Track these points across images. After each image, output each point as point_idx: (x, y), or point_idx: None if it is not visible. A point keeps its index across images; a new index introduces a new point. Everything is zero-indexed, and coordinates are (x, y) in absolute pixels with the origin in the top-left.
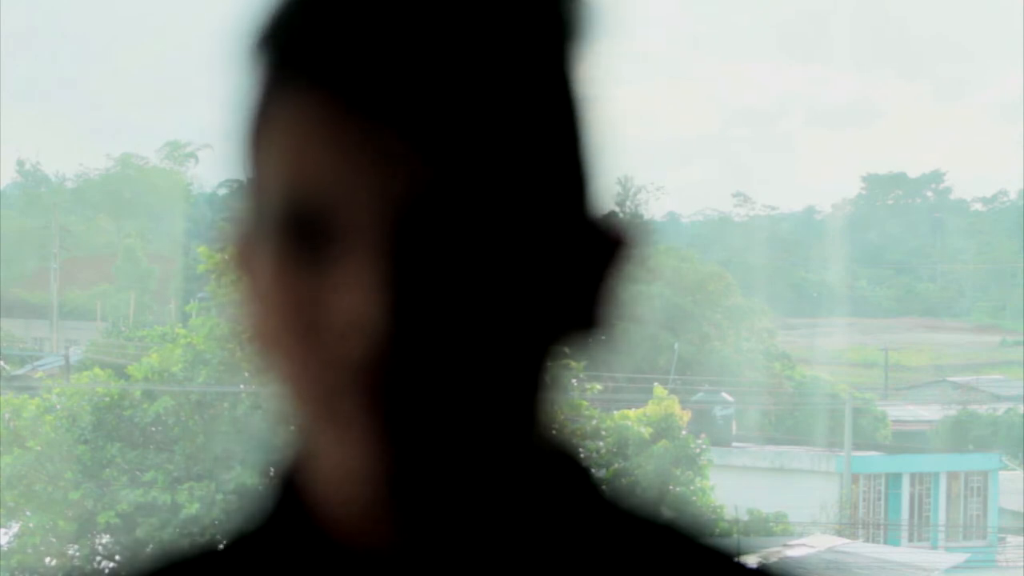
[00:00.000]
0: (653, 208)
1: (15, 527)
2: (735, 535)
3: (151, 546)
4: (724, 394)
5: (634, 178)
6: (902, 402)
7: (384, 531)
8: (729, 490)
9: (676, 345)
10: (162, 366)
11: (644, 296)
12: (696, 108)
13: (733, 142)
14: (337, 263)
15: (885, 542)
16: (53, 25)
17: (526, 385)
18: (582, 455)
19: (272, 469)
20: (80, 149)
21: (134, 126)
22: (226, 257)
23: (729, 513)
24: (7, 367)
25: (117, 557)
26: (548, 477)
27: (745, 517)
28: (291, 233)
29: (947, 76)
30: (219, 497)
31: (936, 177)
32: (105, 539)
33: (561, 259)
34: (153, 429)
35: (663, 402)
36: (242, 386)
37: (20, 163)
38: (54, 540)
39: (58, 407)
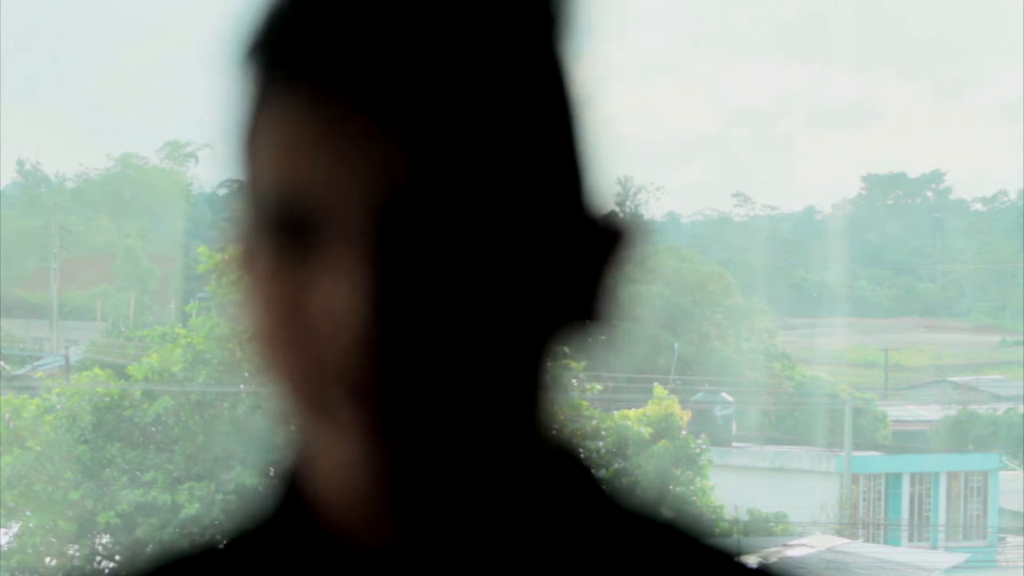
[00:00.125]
0: (653, 208)
1: (15, 527)
2: (735, 535)
3: (151, 546)
4: (724, 394)
5: (634, 178)
6: (902, 402)
7: (384, 530)
8: (729, 490)
9: (676, 345)
10: (162, 366)
11: (644, 296)
12: (696, 108)
13: (733, 142)
14: (334, 263)
15: (885, 542)
16: (53, 25)
17: (526, 384)
18: (582, 455)
19: (272, 469)
20: (80, 149)
21: (134, 126)
22: (226, 257)
23: (729, 513)
24: (7, 367)
25: (117, 557)
26: (548, 477)
27: (745, 517)
28: (287, 233)
29: (947, 76)
30: (219, 497)
31: (936, 177)
32: (105, 539)
33: (560, 258)
34: (153, 429)
35: (663, 402)
36: (242, 386)
37: (20, 163)
38: (54, 540)
39: (58, 407)
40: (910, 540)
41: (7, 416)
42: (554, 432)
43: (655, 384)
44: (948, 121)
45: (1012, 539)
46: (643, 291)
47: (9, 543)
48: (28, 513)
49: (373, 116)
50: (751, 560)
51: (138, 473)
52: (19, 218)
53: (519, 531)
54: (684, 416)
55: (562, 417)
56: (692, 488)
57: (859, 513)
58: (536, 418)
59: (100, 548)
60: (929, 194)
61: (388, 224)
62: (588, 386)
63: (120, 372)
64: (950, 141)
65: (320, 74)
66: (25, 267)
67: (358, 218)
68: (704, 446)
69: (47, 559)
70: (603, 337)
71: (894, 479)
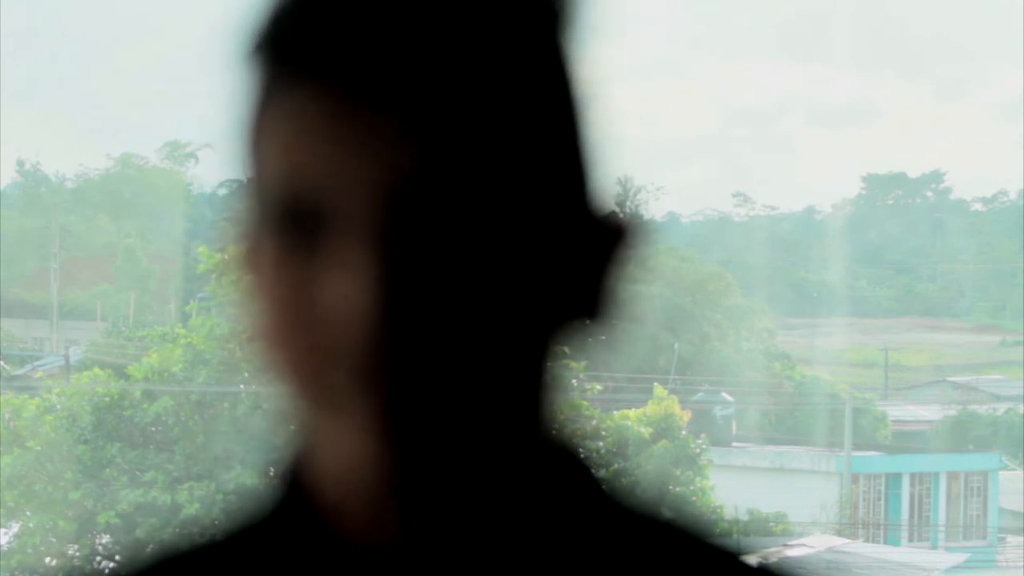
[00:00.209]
0: (653, 208)
1: (15, 527)
2: (735, 535)
3: (151, 546)
4: (724, 394)
5: (634, 178)
6: (902, 402)
7: (386, 527)
8: (729, 490)
9: (676, 345)
10: (162, 366)
11: (644, 296)
12: (696, 108)
13: (733, 142)
14: (338, 259)
15: (885, 542)
16: (53, 25)
17: (527, 384)
18: (582, 455)
19: (272, 469)
20: (80, 149)
21: (134, 126)
22: (227, 256)
23: (729, 513)
24: (7, 367)
25: (117, 557)
26: (548, 476)
27: (745, 517)
28: (292, 230)
29: (947, 76)
30: (219, 497)
31: (936, 177)
32: (105, 539)
33: (561, 257)
34: (153, 429)
35: (663, 402)
36: (242, 386)
37: (20, 163)
38: (54, 540)
39: (58, 407)
40: (910, 540)
41: (7, 416)
42: (554, 432)
43: (655, 384)
44: (948, 121)
45: (1012, 539)
46: (643, 291)
47: (9, 543)
48: (28, 513)
49: (378, 113)
50: (751, 560)
51: (138, 473)
52: (19, 218)
53: (520, 530)
54: (684, 416)
55: (562, 417)
56: (692, 488)
57: (859, 513)
58: (537, 418)
59: (100, 548)
60: (929, 194)
61: (394, 220)
62: (588, 386)
63: (120, 372)
64: (950, 141)
65: (325, 70)
66: (25, 267)
67: (365, 214)
68: (704, 446)
69: (47, 559)
70: (603, 337)
71: (894, 479)
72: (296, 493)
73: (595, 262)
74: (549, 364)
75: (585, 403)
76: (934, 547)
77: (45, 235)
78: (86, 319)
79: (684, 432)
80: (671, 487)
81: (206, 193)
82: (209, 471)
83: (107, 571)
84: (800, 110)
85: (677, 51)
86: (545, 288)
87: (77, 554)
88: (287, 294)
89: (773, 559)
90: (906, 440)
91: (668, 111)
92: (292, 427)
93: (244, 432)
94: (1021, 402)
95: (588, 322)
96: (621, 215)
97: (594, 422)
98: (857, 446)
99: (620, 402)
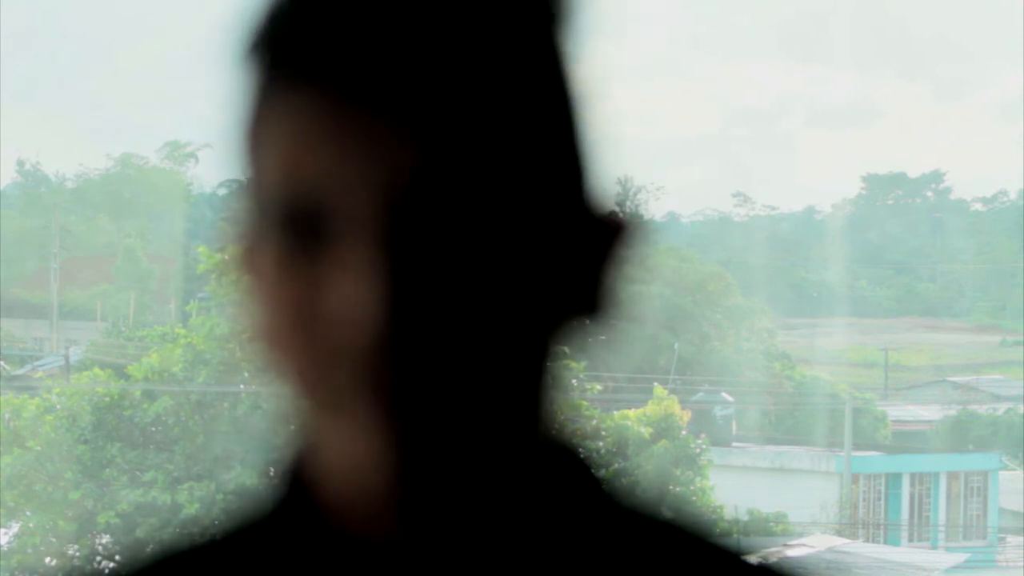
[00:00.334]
0: (653, 208)
1: (15, 527)
2: (735, 535)
3: (151, 546)
4: (724, 394)
5: (634, 178)
6: (902, 402)
7: (387, 527)
8: (729, 490)
9: (676, 345)
10: (162, 366)
11: (644, 296)
12: (696, 108)
13: (733, 142)
14: (338, 259)
15: (885, 542)
16: (53, 25)
17: (527, 384)
18: (582, 455)
19: (272, 469)
20: (80, 149)
21: (134, 126)
22: (227, 257)
23: (729, 513)
24: (7, 367)
25: (117, 557)
26: (548, 476)
27: (745, 517)
28: (292, 230)
29: (947, 76)
30: (219, 497)
31: (936, 177)
32: (105, 539)
33: (561, 256)
34: (153, 429)
35: (663, 402)
36: (242, 386)
37: (20, 163)
38: (54, 540)
39: (58, 407)
40: (910, 540)
41: (7, 416)
42: (554, 432)
43: (655, 384)
44: (948, 121)
45: (1012, 539)
46: (643, 291)
47: (9, 543)
48: (28, 513)
49: (375, 113)
50: (751, 560)
51: (138, 473)
52: (19, 218)
53: (520, 530)
54: (684, 416)
55: (562, 417)
56: (692, 488)
57: (859, 513)
58: (537, 418)
59: (100, 548)
60: (929, 194)
61: (392, 221)
62: (588, 386)
63: (120, 372)
64: (950, 141)
65: (322, 71)
66: (25, 267)
67: (363, 215)
68: (704, 446)
69: (47, 559)
70: (603, 337)
71: (894, 479)
72: (296, 493)
73: (595, 262)
74: (549, 364)
75: (585, 403)
76: (934, 547)
77: (45, 235)
78: (86, 319)
79: (684, 432)
80: (671, 487)
81: (206, 193)
82: (209, 471)
83: (107, 571)
84: (800, 110)
85: (677, 51)
86: (545, 288)
87: (77, 554)
88: (285, 294)
89: (773, 559)
90: (906, 440)
91: (668, 111)
92: (292, 427)
93: (244, 432)
94: (1021, 402)
95: (588, 322)
96: (621, 215)
97: (594, 422)
98: (857, 446)
99: (620, 402)
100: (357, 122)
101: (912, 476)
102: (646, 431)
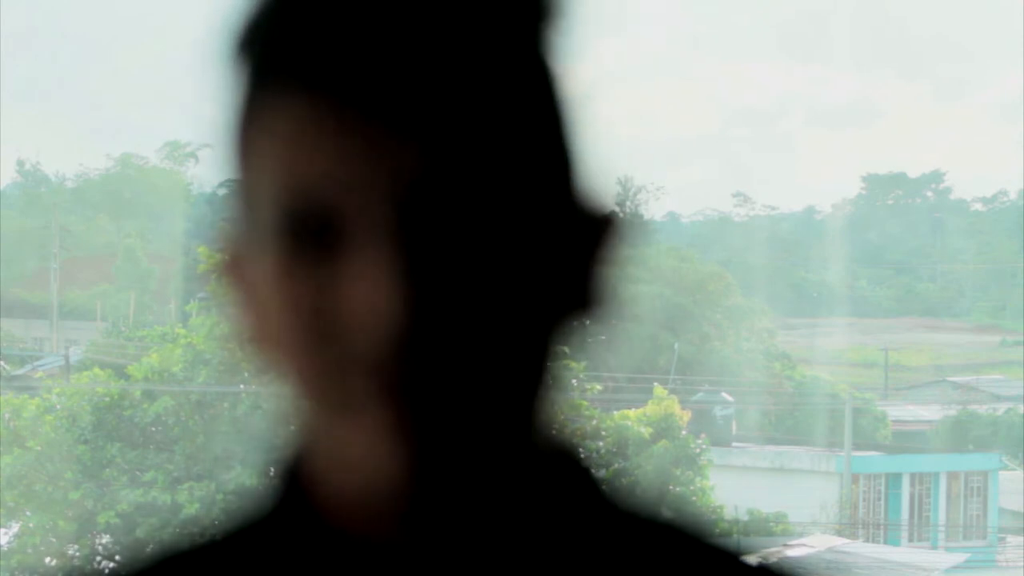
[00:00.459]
0: (653, 208)
1: (15, 527)
2: (735, 535)
3: (151, 546)
4: (724, 394)
5: (634, 178)
6: (902, 402)
7: (386, 527)
8: (729, 490)
9: (676, 345)
10: (162, 366)
11: (644, 296)
12: (696, 108)
13: (733, 142)
14: (333, 260)
15: (885, 542)
16: (53, 25)
17: (527, 384)
18: (582, 455)
19: (272, 469)
20: (80, 149)
21: (134, 126)
22: (221, 260)
23: (729, 513)
24: (7, 367)
25: (117, 557)
26: (548, 477)
27: (745, 517)
28: (287, 232)
29: (947, 76)
30: (219, 497)
31: (936, 177)
32: (105, 539)
33: (560, 256)
34: (153, 429)
35: (663, 402)
36: (242, 386)
37: (20, 163)
38: (54, 540)
39: (58, 407)
40: (910, 540)
41: (7, 416)
42: (554, 432)
43: (655, 384)
44: (948, 121)
45: (1012, 539)
46: (643, 291)
47: (9, 543)
48: (28, 513)
49: (365, 114)
50: (751, 560)
51: (138, 473)
52: (19, 218)
53: (520, 531)
54: (684, 416)
55: (562, 417)
56: (692, 488)
57: (859, 513)
58: (537, 418)
59: (100, 548)
60: (929, 194)
61: (393, 221)
62: (588, 386)
63: (120, 372)
64: (950, 141)
65: (310, 72)
66: (25, 267)
67: (361, 216)
68: (704, 446)
69: (47, 559)
70: (603, 337)
71: (894, 479)
72: (296, 493)
73: (594, 262)
74: (549, 364)
75: (585, 403)
76: (934, 547)
77: (45, 235)
78: (86, 319)
79: (684, 432)
80: (671, 487)
81: (206, 193)
82: (209, 471)
83: (107, 571)
84: (800, 110)
85: (677, 51)
86: (544, 288)
87: (77, 554)
88: (282, 296)
89: (773, 559)
90: (906, 440)
91: (668, 111)
92: (292, 427)
93: (244, 432)
94: (1021, 402)
95: (588, 322)
96: (621, 215)
97: (594, 422)
98: (857, 446)
99: (620, 402)
100: (345, 125)
101: (912, 476)
102: (646, 431)
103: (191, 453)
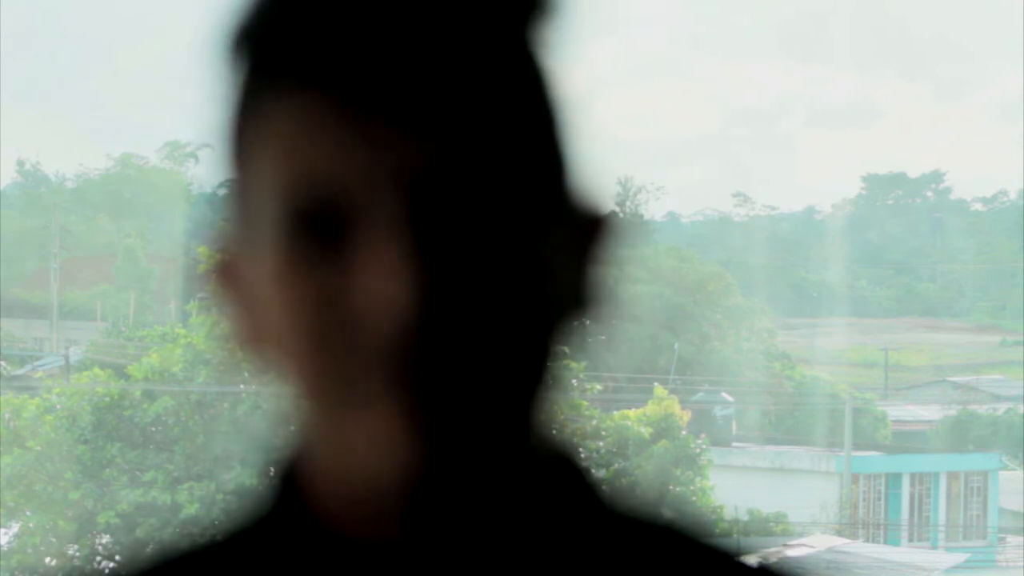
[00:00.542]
0: (653, 208)
1: (15, 527)
2: (735, 535)
3: (151, 546)
4: (724, 394)
5: (634, 178)
6: (902, 402)
7: (385, 527)
8: (729, 490)
9: (676, 345)
10: (162, 366)
11: (644, 296)
12: (696, 108)
13: (733, 142)
14: (332, 260)
15: (885, 542)
16: (53, 25)
17: (527, 384)
18: (582, 455)
19: (272, 469)
20: (80, 149)
21: (134, 126)
22: (218, 261)
23: (729, 513)
24: (7, 367)
25: (117, 557)
26: (548, 477)
27: (745, 517)
28: (286, 232)
29: (947, 76)
30: (219, 497)
31: (936, 177)
32: (105, 539)
33: (558, 256)
34: (153, 429)
35: (663, 402)
36: (242, 386)
37: (20, 163)
38: (54, 540)
39: (58, 407)
40: (910, 540)
41: (7, 416)
42: (554, 432)
43: (655, 384)
44: (948, 121)
45: (1012, 539)
46: (643, 291)
47: (9, 543)
48: (28, 513)
49: (363, 114)
50: (751, 560)
51: (138, 473)
52: (19, 218)
53: (519, 531)
54: (684, 416)
55: (562, 417)
56: (692, 488)
57: (859, 513)
58: (537, 418)
59: (100, 548)
60: (929, 194)
61: (392, 221)
62: (588, 386)
63: (120, 372)
64: (950, 141)
65: (308, 72)
66: (25, 267)
67: (355, 216)
68: (704, 446)
69: (47, 559)
70: (603, 337)
71: (894, 479)
72: (296, 494)
73: (594, 261)
74: (549, 364)
75: (585, 403)
76: (934, 547)
77: (45, 235)
78: (86, 319)
79: (684, 432)
80: (671, 487)
81: (206, 193)
82: (209, 471)
83: (107, 571)
84: (800, 110)
85: (677, 51)
86: (544, 288)
87: (77, 554)
88: (280, 295)
89: (773, 559)
90: (906, 440)
91: (668, 111)
92: (292, 427)
93: (244, 432)
94: (1021, 402)
95: (588, 322)
96: (621, 215)
97: (594, 422)
98: (857, 446)
99: (620, 402)
100: (345, 124)
101: (912, 476)
102: (646, 431)
103: (191, 453)
